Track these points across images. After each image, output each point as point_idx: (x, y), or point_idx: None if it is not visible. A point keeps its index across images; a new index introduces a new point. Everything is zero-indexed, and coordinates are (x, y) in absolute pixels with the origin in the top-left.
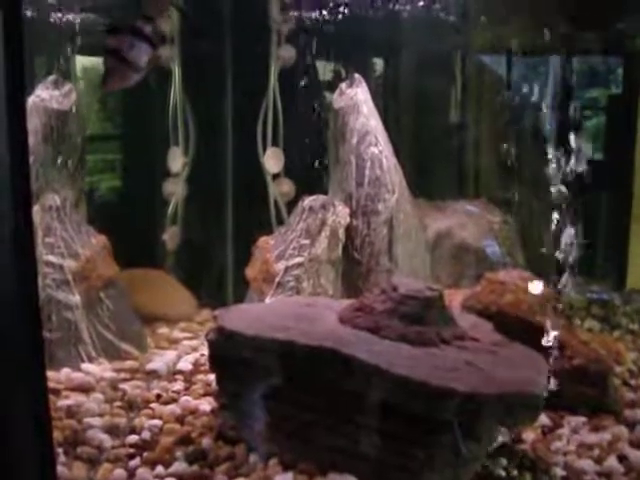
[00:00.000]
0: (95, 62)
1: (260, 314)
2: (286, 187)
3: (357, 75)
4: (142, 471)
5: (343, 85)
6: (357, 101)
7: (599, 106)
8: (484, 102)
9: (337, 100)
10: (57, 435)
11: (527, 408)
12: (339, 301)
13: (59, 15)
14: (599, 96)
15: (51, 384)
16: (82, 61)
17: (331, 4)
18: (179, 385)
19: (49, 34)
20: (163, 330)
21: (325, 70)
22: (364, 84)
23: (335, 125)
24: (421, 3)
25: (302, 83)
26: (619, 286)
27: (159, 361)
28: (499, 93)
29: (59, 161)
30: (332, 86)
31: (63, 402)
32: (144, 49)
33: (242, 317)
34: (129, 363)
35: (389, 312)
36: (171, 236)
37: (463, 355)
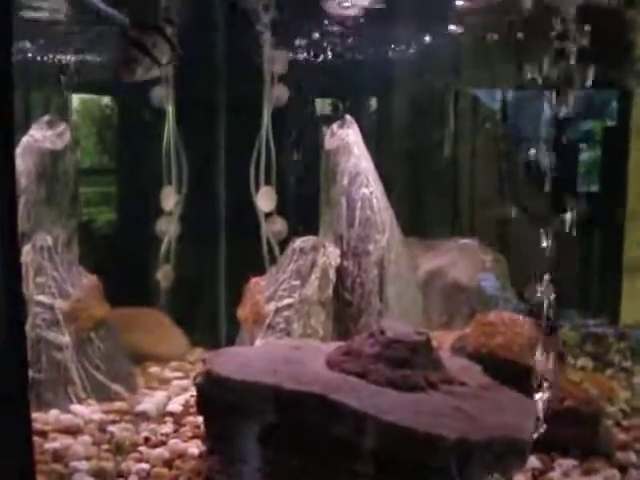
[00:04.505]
0: (92, 96)
1: (249, 357)
2: (279, 226)
3: (348, 116)
4: None
5: (334, 126)
6: (348, 142)
7: (594, 139)
8: (477, 141)
9: (328, 141)
10: None
11: (515, 454)
12: (328, 344)
13: (54, 55)
14: (594, 128)
15: (39, 426)
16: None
17: (323, 44)
18: (168, 428)
19: (45, 73)
20: (154, 369)
21: (324, 104)
22: (355, 125)
23: (326, 166)
24: (413, 43)
25: (295, 122)
26: (614, 320)
27: (149, 402)
28: (492, 131)
29: (52, 201)
30: (330, 120)
31: (50, 445)
32: (166, 50)
33: (231, 361)
34: (118, 404)
35: (376, 356)
36: (164, 275)
37: (451, 400)
